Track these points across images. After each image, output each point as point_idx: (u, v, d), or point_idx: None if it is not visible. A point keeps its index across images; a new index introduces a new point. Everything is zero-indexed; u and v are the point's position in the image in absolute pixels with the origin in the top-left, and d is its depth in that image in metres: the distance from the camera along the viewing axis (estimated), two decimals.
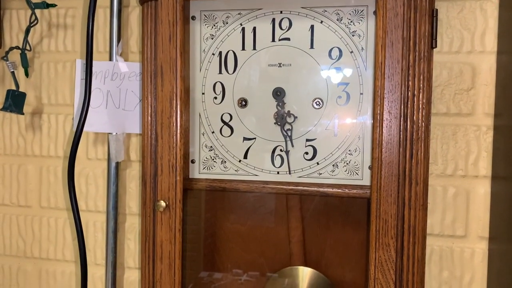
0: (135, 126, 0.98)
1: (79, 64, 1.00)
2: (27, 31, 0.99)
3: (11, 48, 1.00)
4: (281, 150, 0.85)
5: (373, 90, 0.79)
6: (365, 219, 0.84)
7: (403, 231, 0.74)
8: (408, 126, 0.74)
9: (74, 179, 0.82)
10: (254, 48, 0.85)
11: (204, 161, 0.88)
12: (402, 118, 0.74)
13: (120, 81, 0.97)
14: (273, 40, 0.84)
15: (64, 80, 1.05)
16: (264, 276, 0.94)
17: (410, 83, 0.74)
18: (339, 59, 0.82)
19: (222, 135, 0.87)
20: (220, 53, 0.86)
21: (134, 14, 1.01)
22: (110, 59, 0.98)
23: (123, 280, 1.04)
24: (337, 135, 0.83)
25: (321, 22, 0.82)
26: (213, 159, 0.88)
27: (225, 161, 0.88)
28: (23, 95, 0.99)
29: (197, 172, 0.89)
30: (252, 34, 0.85)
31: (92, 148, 1.04)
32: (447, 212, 0.89)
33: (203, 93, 0.88)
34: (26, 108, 1.05)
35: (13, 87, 1.00)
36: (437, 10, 0.74)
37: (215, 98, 0.87)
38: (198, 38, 0.87)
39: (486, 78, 0.87)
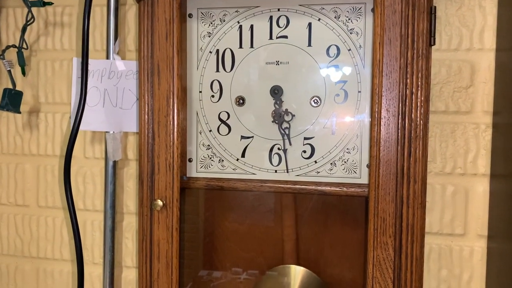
0: (133, 124, 0.97)
1: (76, 63, 1.00)
2: (24, 30, 0.98)
3: (8, 47, 0.99)
4: (278, 149, 0.85)
5: (371, 88, 0.79)
6: (363, 218, 0.84)
7: (401, 229, 0.74)
8: (406, 124, 0.73)
9: (70, 178, 0.82)
10: (252, 46, 0.85)
11: (202, 160, 0.88)
12: (400, 116, 0.73)
13: (117, 79, 0.97)
14: (271, 38, 0.84)
15: (61, 78, 1.05)
16: (263, 275, 0.93)
17: (408, 80, 0.73)
18: (337, 57, 0.82)
19: (219, 134, 0.87)
20: (217, 51, 0.86)
21: (131, 12, 1.00)
22: (107, 57, 0.98)
23: (121, 279, 1.04)
24: (335, 134, 0.83)
25: (319, 19, 0.82)
26: (210, 158, 0.88)
27: (222, 160, 0.87)
28: (20, 93, 0.99)
29: (195, 170, 0.88)
30: (249, 32, 0.84)
31: (89, 147, 1.04)
32: (446, 210, 0.89)
33: (200, 92, 0.87)
34: (23, 107, 1.04)
35: (10, 86, 0.99)
36: (435, 7, 0.74)
37: (213, 96, 0.87)
38: (195, 36, 0.87)
39: (485, 75, 0.86)
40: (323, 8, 0.81)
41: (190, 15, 0.87)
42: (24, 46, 1.00)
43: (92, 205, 1.05)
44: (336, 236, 0.90)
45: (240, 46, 0.85)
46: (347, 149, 0.82)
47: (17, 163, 1.09)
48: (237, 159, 0.86)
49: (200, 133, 0.88)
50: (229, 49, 0.85)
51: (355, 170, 0.82)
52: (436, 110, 0.88)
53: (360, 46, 0.81)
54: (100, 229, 1.04)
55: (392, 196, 0.74)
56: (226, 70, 0.86)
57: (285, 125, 0.84)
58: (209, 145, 0.88)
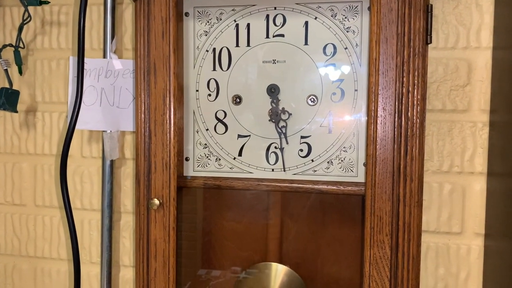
0: (130, 123, 0.97)
1: (73, 62, 1.00)
2: (20, 29, 0.98)
3: (4, 46, 0.99)
4: (275, 147, 0.85)
5: (367, 86, 0.79)
6: (360, 216, 0.84)
7: (398, 228, 0.74)
8: (403, 123, 0.73)
9: (66, 177, 0.82)
10: (248, 45, 0.84)
11: (199, 159, 0.88)
12: (396, 115, 0.73)
13: (114, 78, 0.97)
14: (267, 36, 0.84)
15: (58, 77, 1.05)
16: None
17: (404, 79, 0.73)
18: (333, 55, 0.82)
19: (216, 133, 0.87)
20: (214, 49, 0.86)
21: (128, 11, 1.00)
22: (104, 56, 0.98)
23: (118, 278, 1.04)
24: (332, 132, 0.82)
25: (315, 18, 0.82)
26: (207, 157, 0.88)
27: (219, 159, 0.87)
28: (17, 93, 0.99)
29: (192, 169, 0.88)
30: (246, 31, 0.84)
31: (86, 146, 1.04)
32: (443, 208, 0.89)
33: (197, 90, 0.87)
34: (20, 106, 1.04)
35: (7, 85, 0.99)
36: (431, 5, 0.74)
37: (209, 95, 0.87)
38: (192, 35, 0.86)
39: (481, 74, 0.86)
40: (320, 7, 0.81)
41: (187, 14, 0.86)
42: (21, 45, 0.99)
43: (89, 204, 1.05)
44: (333, 234, 0.90)
45: (237, 45, 0.85)
46: (344, 147, 0.82)
47: (14, 162, 1.08)
48: (234, 158, 0.86)
49: (197, 132, 0.88)
50: (225, 48, 0.85)
51: (352, 168, 0.82)
52: (433, 109, 0.88)
53: (356, 44, 0.81)
54: (97, 228, 1.04)
55: (388, 195, 0.74)
56: (223, 68, 0.86)
57: (282, 123, 0.84)
58: (206, 144, 0.87)
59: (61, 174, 0.79)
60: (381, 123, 0.74)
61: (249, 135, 0.86)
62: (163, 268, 0.82)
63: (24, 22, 0.98)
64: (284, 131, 0.84)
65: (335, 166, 0.83)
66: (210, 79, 0.86)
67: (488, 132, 0.87)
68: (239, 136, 0.86)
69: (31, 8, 1.00)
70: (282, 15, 0.83)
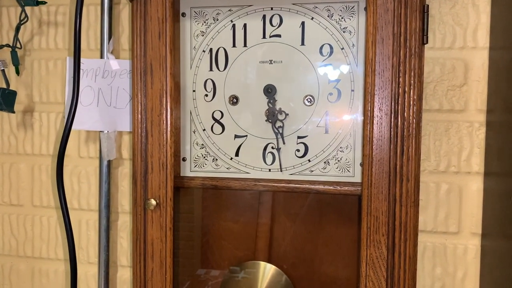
0: (127, 124, 0.97)
1: (69, 62, 1.00)
2: (17, 29, 0.98)
3: (1, 46, 0.99)
4: (272, 148, 0.85)
5: (363, 86, 0.79)
6: (357, 216, 0.84)
7: (394, 228, 0.74)
8: (399, 123, 0.73)
9: (63, 177, 0.82)
10: (245, 45, 0.84)
11: (196, 159, 0.88)
12: (393, 115, 0.73)
13: (111, 78, 0.97)
14: (264, 37, 0.84)
15: (55, 78, 1.05)
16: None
17: (400, 79, 0.73)
18: (330, 55, 0.82)
19: (213, 133, 0.87)
20: (211, 50, 0.86)
21: (125, 11, 1.00)
22: (101, 56, 0.98)
23: (116, 279, 1.04)
24: (329, 132, 0.83)
25: (312, 18, 0.82)
26: (204, 157, 0.88)
27: (216, 159, 0.87)
28: (14, 93, 0.99)
29: (189, 170, 0.88)
30: (242, 31, 0.84)
31: (84, 146, 1.04)
32: (440, 208, 0.89)
33: (194, 91, 0.87)
34: (17, 107, 1.04)
35: (4, 86, 0.99)
36: (428, 6, 0.74)
37: (206, 95, 0.87)
38: (188, 35, 0.86)
39: (478, 74, 0.86)
40: (316, 7, 0.81)
41: (183, 14, 0.86)
42: (18, 45, 0.99)
43: (87, 205, 1.05)
44: (329, 234, 0.90)
45: (234, 45, 0.85)
46: (341, 147, 0.82)
47: (12, 162, 1.08)
48: (231, 158, 0.86)
49: (194, 132, 0.88)
50: (222, 48, 0.85)
51: (348, 168, 0.82)
52: (430, 109, 0.88)
53: (353, 44, 0.81)
54: (95, 228, 1.04)
55: (385, 195, 0.74)
56: (220, 69, 0.86)
57: (278, 124, 0.84)
58: (203, 144, 0.87)
59: (58, 174, 0.79)
60: (377, 123, 0.74)
61: (246, 135, 0.86)
62: (160, 268, 0.82)
63: (21, 23, 0.98)
64: (281, 131, 0.84)
65: (332, 166, 0.83)
66: (207, 79, 0.86)
67: (484, 132, 0.87)
68: (236, 136, 0.86)
69: (28, 9, 1.00)
70: (279, 15, 0.83)
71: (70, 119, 0.79)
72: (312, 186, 0.82)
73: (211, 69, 0.86)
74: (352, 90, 0.81)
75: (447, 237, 0.89)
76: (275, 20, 0.83)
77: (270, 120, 0.84)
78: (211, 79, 0.86)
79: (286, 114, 0.84)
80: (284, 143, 0.84)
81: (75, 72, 0.81)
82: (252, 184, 0.85)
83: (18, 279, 1.10)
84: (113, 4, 0.98)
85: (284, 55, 0.83)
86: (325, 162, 0.83)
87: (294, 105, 0.83)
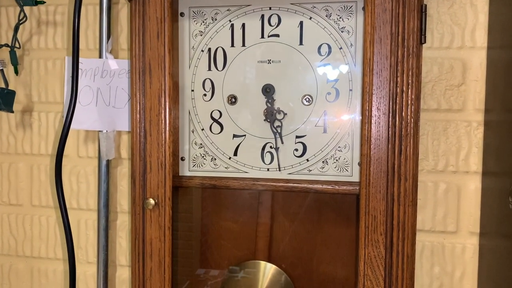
0: (126, 123, 0.97)
1: (68, 62, 1.00)
2: (16, 29, 0.98)
3: (0, 46, 0.99)
4: (271, 147, 0.85)
5: (361, 86, 0.79)
6: (355, 216, 0.84)
7: (392, 227, 0.74)
8: (397, 122, 0.74)
9: (61, 177, 0.82)
10: (243, 45, 0.85)
11: (194, 159, 0.88)
12: (391, 114, 0.74)
13: (110, 78, 0.97)
14: (262, 36, 0.84)
15: (54, 77, 1.05)
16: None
17: (398, 79, 0.73)
18: (328, 55, 0.82)
19: (212, 132, 0.87)
20: (209, 49, 0.86)
21: (123, 11, 1.00)
22: (100, 56, 0.98)
23: (115, 278, 1.04)
24: (327, 132, 0.83)
25: (310, 18, 0.82)
26: (203, 157, 0.88)
27: (215, 159, 0.87)
28: (13, 93, 0.99)
29: (187, 169, 0.88)
30: (241, 31, 0.84)
31: (82, 146, 1.04)
32: (438, 208, 0.89)
33: (192, 90, 0.87)
34: (16, 106, 1.04)
35: (3, 85, 0.99)
36: (426, 5, 0.74)
37: (205, 95, 0.87)
38: (187, 35, 0.87)
39: (476, 73, 0.87)
40: (315, 7, 0.81)
41: (182, 14, 0.87)
42: (17, 45, 0.99)
43: (85, 204, 1.05)
44: (328, 234, 0.90)
45: (232, 45, 0.85)
46: (339, 147, 0.82)
47: (11, 162, 1.08)
48: (230, 158, 0.87)
49: (193, 132, 0.88)
50: (221, 48, 0.86)
51: (346, 168, 0.82)
52: (428, 108, 0.88)
53: (351, 44, 0.81)
54: (94, 228, 1.05)
55: (383, 194, 0.74)
56: (218, 68, 0.86)
57: (277, 123, 0.84)
58: (201, 144, 0.88)
59: (56, 174, 0.80)
60: (375, 123, 0.74)
61: (245, 135, 0.86)
62: (159, 267, 0.82)
63: (20, 22, 0.98)
64: (279, 131, 0.84)
65: (330, 165, 0.83)
66: (206, 79, 0.87)
67: (483, 131, 0.87)
68: (235, 136, 0.86)
69: (27, 8, 1.00)
70: (277, 15, 0.83)
71: (69, 119, 0.79)
72: (311, 186, 0.83)
73: (209, 69, 0.86)
74: (350, 90, 0.81)
75: (445, 236, 0.90)
76: (274, 20, 0.83)
77: (268, 120, 0.84)
78: (209, 79, 0.86)
79: (285, 114, 0.84)
80: (282, 142, 0.84)
81: (73, 71, 0.81)
82: (251, 183, 0.85)
83: (17, 279, 1.10)
84: (111, 4, 0.98)
85: (282, 55, 0.83)
86: (323, 162, 0.83)
87: (292, 105, 0.84)
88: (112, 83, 0.97)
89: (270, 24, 0.83)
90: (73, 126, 0.85)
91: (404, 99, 0.73)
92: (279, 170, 0.85)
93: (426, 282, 0.91)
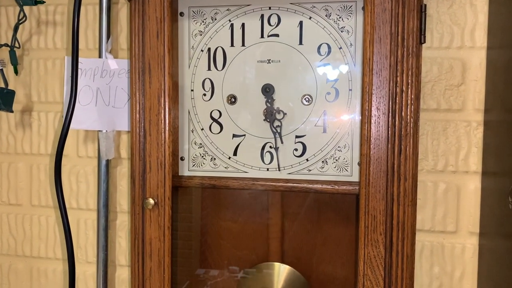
0: (125, 123, 0.97)
1: (68, 61, 1.00)
2: (16, 28, 0.98)
3: (0, 46, 0.99)
4: (270, 147, 0.85)
5: (361, 86, 0.79)
6: (355, 215, 0.84)
7: (392, 227, 0.74)
8: (397, 122, 0.74)
9: (61, 177, 0.82)
10: (243, 45, 0.85)
11: (194, 158, 0.88)
12: (390, 114, 0.74)
13: (109, 78, 0.97)
14: (262, 36, 0.84)
15: (54, 77, 1.05)
16: (244, 272, 0.94)
17: (398, 78, 0.73)
18: (328, 55, 0.82)
19: (211, 132, 0.87)
20: (209, 49, 0.86)
21: (123, 11, 1.00)
22: (100, 56, 0.98)
23: (114, 278, 1.04)
24: (327, 132, 0.83)
25: (310, 18, 0.82)
26: (202, 156, 0.88)
27: (214, 158, 0.87)
28: (12, 93, 0.99)
29: (187, 169, 0.88)
30: (241, 30, 0.84)
31: (82, 146, 1.04)
32: (438, 207, 0.89)
33: (192, 90, 0.87)
34: (16, 106, 1.04)
35: (2, 85, 0.99)
36: (425, 5, 0.74)
37: (204, 95, 0.87)
38: (187, 35, 0.87)
39: (476, 73, 0.87)
40: (314, 7, 0.81)
41: (182, 14, 0.87)
42: (17, 45, 0.99)
43: (85, 204, 1.05)
44: (327, 233, 0.90)
45: (232, 45, 0.85)
46: (339, 147, 0.82)
47: (10, 162, 1.08)
48: (229, 158, 0.87)
49: (192, 132, 0.88)
50: (220, 48, 0.86)
51: (346, 168, 0.82)
52: (428, 108, 0.88)
53: (351, 44, 0.81)
54: (93, 228, 1.05)
55: (382, 194, 0.74)
56: (218, 68, 0.86)
57: (276, 123, 0.84)
58: (201, 144, 0.88)
59: (56, 173, 0.79)
60: (375, 123, 0.74)
61: (244, 135, 0.86)
62: (158, 267, 0.82)
63: (20, 22, 0.98)
64: (279, 131, 0.84)
65: (330, 165, 0.83)
66: (205, 79, 0.86)
67: (482, 131, 0.87)
68: (234, 135, 0.86)
69: (26, 8, 1.00)
70: (277, 15, 0.83)
71: (69, 119, 0.79)
72: (310, 185, 0.83)
73: (209, 69, 0.86)
74: (350, 90, 0.81)
75: (445, 236, 0.90)
76: (273, 20, 0.83)
77: (268, 120, 0.84)
78: (209, 79, 0.86)
79: (284, 114, 0.84)
80: (282, 142, 0.84)
81: (73, 71, 0.81)
82: (250, 183, 0.85)
83: (17, 279, 1.10)
84: (111, 3, 0.98)
85: (282, 55, 0.83)
86: (323, 162, 0.83)
87: (292, 105, 0.84)
88: (111, 83, 0.97)
89: (269, 24, 0.83)
90: (72, 126, 0.85)
91: (403, 99, 0.73)
92: (279, 170, 0.85)
93: (425, 282, 0.91)
